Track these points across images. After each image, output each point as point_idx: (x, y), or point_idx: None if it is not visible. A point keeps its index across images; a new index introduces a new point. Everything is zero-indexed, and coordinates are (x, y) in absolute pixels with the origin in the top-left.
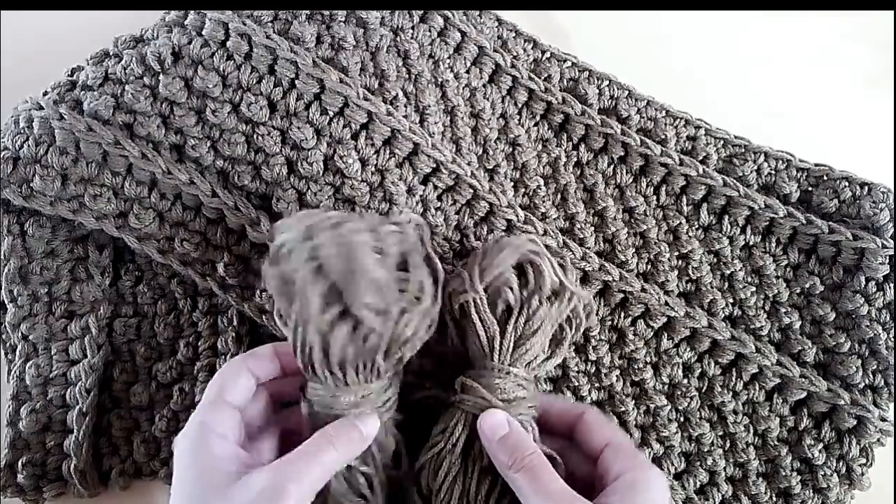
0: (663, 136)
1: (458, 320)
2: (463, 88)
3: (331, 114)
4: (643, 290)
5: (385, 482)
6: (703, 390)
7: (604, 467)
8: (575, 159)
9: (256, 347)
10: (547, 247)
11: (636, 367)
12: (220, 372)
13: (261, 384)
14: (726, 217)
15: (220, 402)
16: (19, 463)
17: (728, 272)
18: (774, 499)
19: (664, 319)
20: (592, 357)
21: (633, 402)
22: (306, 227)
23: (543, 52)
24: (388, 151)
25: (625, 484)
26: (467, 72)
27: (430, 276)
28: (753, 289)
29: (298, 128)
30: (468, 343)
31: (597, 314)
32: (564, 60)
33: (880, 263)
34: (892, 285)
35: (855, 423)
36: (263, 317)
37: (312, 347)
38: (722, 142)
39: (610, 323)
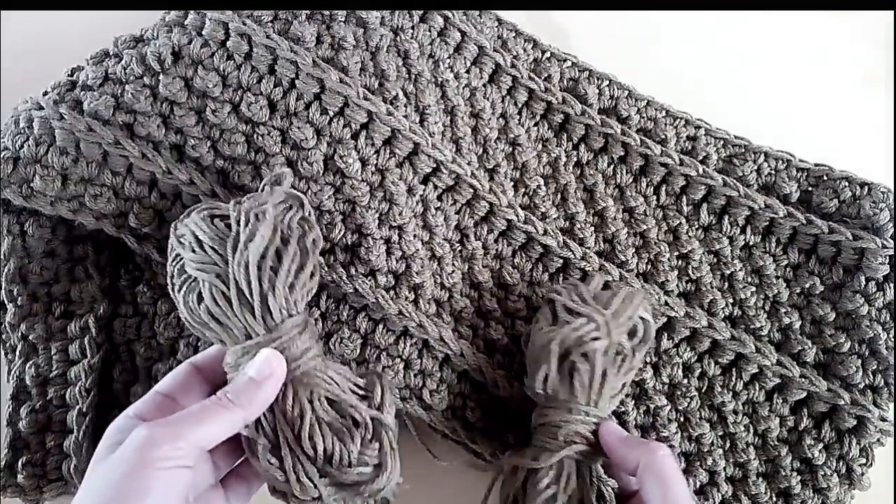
0: (663, 136)
1: (562, 358)
2: (463, 88)
3: (331, 114)
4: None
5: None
6: (703, 390)
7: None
8: (575, 159)
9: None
10: (546, 247)
11: None
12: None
13: None
14: (726, 217)
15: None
16: (19, 463)
17: (728, 272)
18: (774, 499)
19: (664, 319)
20: None
21: (633, 402)
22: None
23: (543, 52)
24: (388, 151)
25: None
26: (467, 72)
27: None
28: (753, 289)
29: (298, 128)
30: (572, 381)
31: None
32: (564, 60)
33: (880, 263)
34: (892, 285)
35: (855, 423)
36: None
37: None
38: (722, 142)
39: None
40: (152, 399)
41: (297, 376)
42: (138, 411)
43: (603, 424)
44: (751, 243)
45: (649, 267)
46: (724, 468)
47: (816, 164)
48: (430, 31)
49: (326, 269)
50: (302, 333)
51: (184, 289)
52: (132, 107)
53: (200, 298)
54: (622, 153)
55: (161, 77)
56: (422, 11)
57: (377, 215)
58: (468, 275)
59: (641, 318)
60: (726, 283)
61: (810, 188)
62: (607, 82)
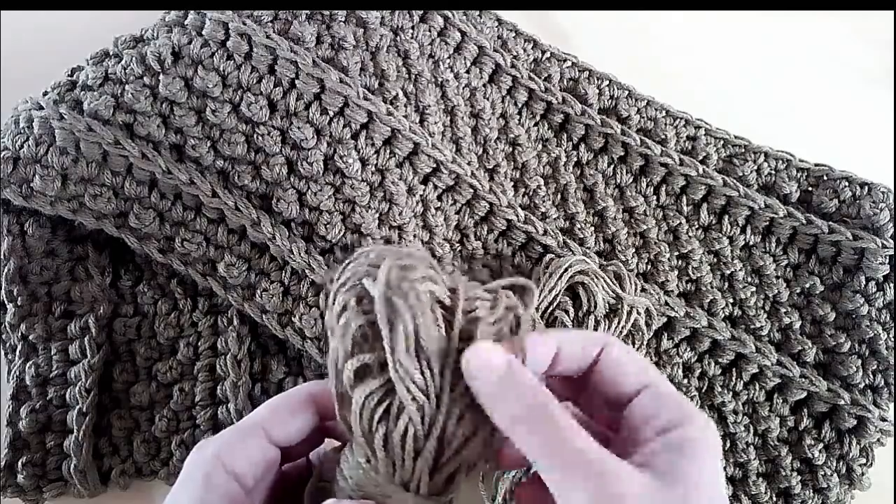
0: (663, 136)
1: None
2: (463, 88)
3: (331, 114)
4: (643, 289)
5: None
6: (704, 390)
7: (641, 416)
8: (575, 159)
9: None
10: (546, 247)
11: None
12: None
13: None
14: (726, 217)
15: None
16: (19, 463)
17: (728, 272)
18: (774, 499)
19: (664, 319)
20: None
21: None
22: (363, 268)
23: (543, 52)
24: (388, 151)
25: (670, 444)
26: (467, 72)
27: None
28: (753, 289)
29: (298, 128)
30: None
31: None
32: (564, 60)
33: (880, 263)
34: (892, 285)
35: (855, 423)
36: (264, 317)
37: (342, 395)
38: (722, 142)
39: None
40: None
41: None
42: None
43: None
44: (751, 243)
45: (649, 267)
46: (724, 468)
47: (816, 164)
48: (430, 31)
49: (326, 269)
50: None
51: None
52: (132, 107)
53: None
54: (622, 153)
55: (161, 77)
56: (422, 11)
57: (377, 215)
58: (468, 275)
59: (582, 284)
60: (726, 283)
61: (810, 188)
62: (607, 82)
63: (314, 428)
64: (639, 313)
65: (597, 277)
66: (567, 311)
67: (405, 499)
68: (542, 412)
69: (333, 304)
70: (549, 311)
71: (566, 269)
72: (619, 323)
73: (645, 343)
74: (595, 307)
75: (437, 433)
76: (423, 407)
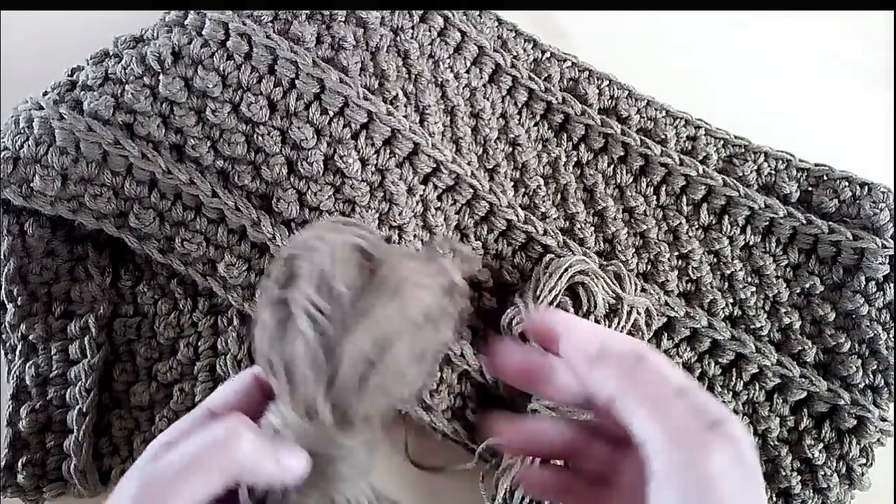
0: (663, 136)
1: None
2: (463, 88)
3: (331, 114)
4: (643, 290)
5: None
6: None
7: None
8: (575, 159)
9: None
10: (546, 247)
11: None
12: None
13: None
14: (726, 217)
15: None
16: (19, 463)
17: (728, 272)
18: (774, 499)
19: (664, 319)
20: None
21: None
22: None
23: (543, 52)
24: (388, 151)
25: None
26: (467, 72)
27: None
28: (753, 289)
29: (298, 128)
30: None
31: None
32: (564, 60)
33: (880, 263)
34: (892, 285)
35: (855, 423)
36: None
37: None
38: (722, 142)
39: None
40: None
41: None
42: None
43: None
44: (751, 243)
45: (649, 267)
46: None
47: (816, 164)
48: (430, 31)
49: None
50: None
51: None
52: (132, 107)
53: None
54: (622, 153)
55: (161, 77)
56: (422, 11)
57: (377, 215)
58: (468, 275)
59: (582, 284)
60: (726, 283)
61: (810, 188)
62: (607, 82)
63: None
64: (639, 313)
65: (597, 277)
66: (567, 311)
67: (319, 433)
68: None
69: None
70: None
71: (566, 269)
72: (618, 323)
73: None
74: (595, 307)
75: (337, 358)
76: (325, 332)
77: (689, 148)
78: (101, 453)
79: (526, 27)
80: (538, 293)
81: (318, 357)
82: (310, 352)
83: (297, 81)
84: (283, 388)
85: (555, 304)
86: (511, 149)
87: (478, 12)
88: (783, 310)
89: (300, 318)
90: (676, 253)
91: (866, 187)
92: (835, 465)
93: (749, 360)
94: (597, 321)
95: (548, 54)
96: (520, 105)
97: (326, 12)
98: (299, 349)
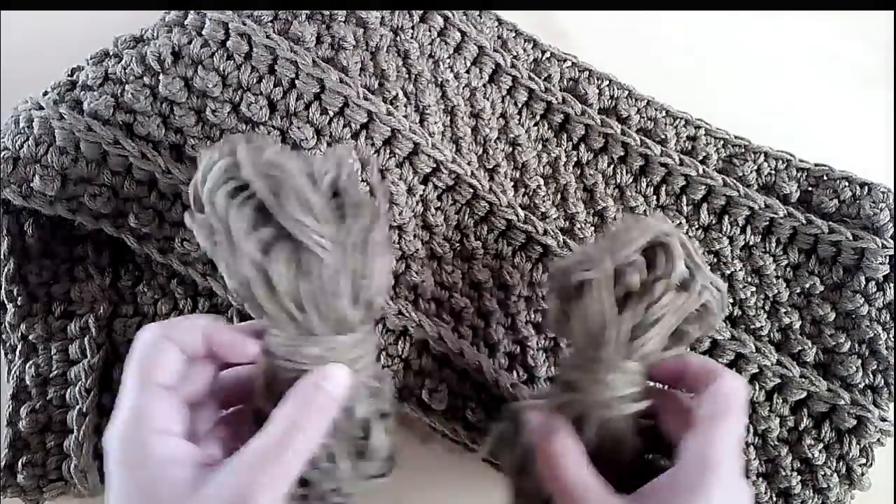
0: (663, 136)
1: (565, 302)
2: (463, 88)
3: (331, 114)
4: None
5: (357, 464)
6: None
7: (682, 447)
8: (575, 159)
9: (181, 317)
10: (546, 247)
11: None
12: (137, 348)
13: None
14: (726, 217)
15: (150, 385)
16: (19, 463)
17: (728, 272)
18: (774, 499)
19: None
20: None
21: None
22: (225, 147)
23: (543, 52)
24: (388, 151)
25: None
26: (467, 72)
27: (373, 206)
28: (753, 289)
29: (298, 128)
30: (575, 330)
31: None
32: (564, 60)
33: (880, 263)
34: (892, 285)
35: (855, 423)
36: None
37: (250, 280)
38: (722, 142)
39: None
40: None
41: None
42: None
43: (684, 358)
44: (751, 243)
45: None
46: None
47: (816, 164)
48: (430, 31)
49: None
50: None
51: (238, 228)
52: (132, 107)
53: (266, 250)
54: (622, 153)
55: (161, 77)
56: (422, 11)
57: None
58: (468, 274)
59: (660, 244)
60: (726, 283)
61: (810, 188)
62: (607, 82)
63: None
64: (712, 294)
65: (679, 242)
66: (638, 270)
67: (346, 340)
68: (548, 446)
69: (212, 192)
70: (619, 266)
71: (650, 226)
72: (687, 299)
73: (712, 329)
74: (669, 274)
75: (346, 270)
76: (329, 253)
77: (689, 148)
78: (101, 453)
79: (526, 27)
80: (612, 244)
81: (334, 276)
82: (327, 270)
83: (297, 81)
84: (310, 314)
85: (629, 258)
86: (511, 149)
87: (478, 12)
88: (783, 310)
89: (312, 245)
90: None
91: (866, 187)
92: (835, 465)
93: (749, 360)
94: (666, 289)
95: (548, 54)
96: (520, 105)
97: (326, 12)
98: (316, 274)
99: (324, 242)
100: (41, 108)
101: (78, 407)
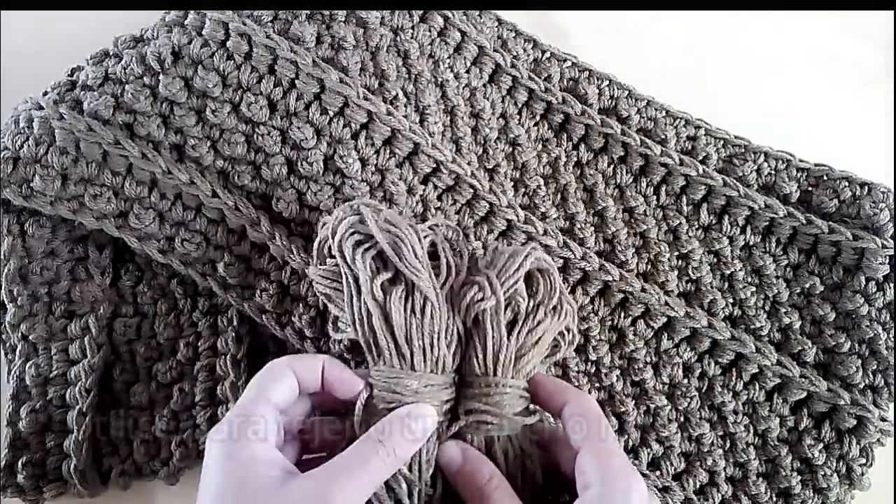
0: (663, 136)
1: (467, 329)
2: (463, 88)
3: (331, 113)
4: (643, 290)
5: (425, 496)
6: (703, 390)
7: (578, 472)
8: (575, 159)
9: (305, 354)
10: (546, 247)
11: (636, 367)
12: (264, 370)
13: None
14: (726, 217)
15: (263, 400)
16: (19, 463)
17: (728, 272)
18: (774, 499)
19: (664, 319)
20: (592, 357)
21: (633, 402)
22: (349, 207)
23: (543, 52)
24: (388, 151)
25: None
26: (467, 72)
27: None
28: (753, 289)
29: (298, 127)
30: (469, 354)
31: (596, 314)
32: (564, 60)
33: (880, 263)
34: (892, 285)
35: (855, 423)
36: (263, 316)
37: (371, 315)
38: (722, 142)
39: (610, 323)
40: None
41: None
42: (299, 371)
43: (535, 379)
44: (751, 243)
45: (649, 267)
46: (724, 468)
47: (816, 164)
48: (430, 31)
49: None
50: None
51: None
52: (132, 107)
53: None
54: (622, 153)
55: (161, 77)
56: (422, 11)
57: None
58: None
59: (538, 271)
60: (726, 283)
61: (810, 188)
62: (607, 82)
63: (317, 391)
64: (573, 317)
65: (555, 269)
66: (523, 298)
67: (438, 380)
68: (487, 492)
69: (341, 244)
70: (507, 294)
71: (530, 255)
72: (558, 319)
73: (573, 345)
74: (550, 299)
75: (444, 314)
76: (437, 297)
77: (689, 148)
78: (101, 453)
79: (526, 27)
80: (500, 274)
81: (441, 316)
82: (437, 312)
83: (297, 81)
84: (415, 352)
85: (514, 286)
86: (511, 149)
87: (478, 12)
88: (783, 310)
89: (426, 288)
90: (676, 253)
91: (866, 187)
92: (835, 465)
93: (749, 360)
94: (545, 313)
95: (548, 54)
96: (520, 105)
97: (326, 12)
98: (428, 313)
99: (432, 286)
100: (41, 108)
101: (78, 407)
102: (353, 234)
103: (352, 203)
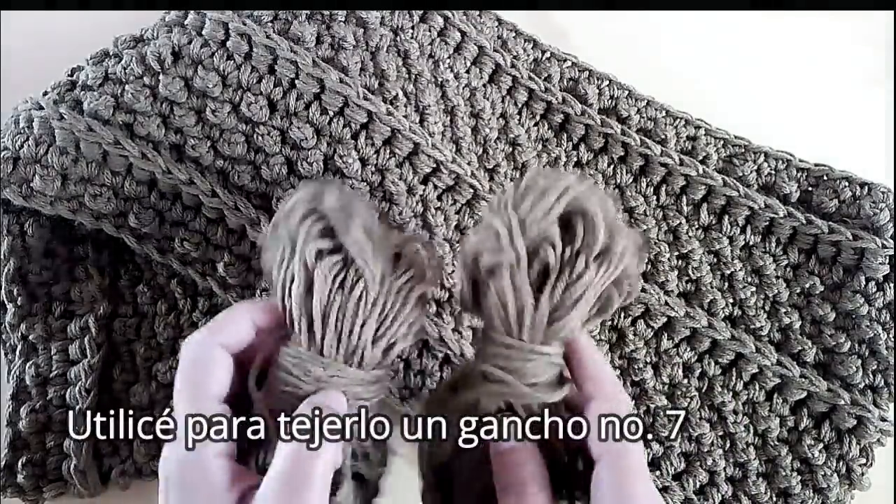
0: (663, 136)
1: (479, 284)
2: (463, 88)
3: (331, 113)
4: (643, 290)
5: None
6: (703, 390)
7: (594, 485)
8: (575, 159)
9: (219, 318)
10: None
11: (636, 367)
12: (184, 359)
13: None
14: (726, 217)
15: (204, 400)
16: (19, 463)
17: (728, 272)
18: (774, 499)
19: (664, 319)
20: None
21: (633, 402)
22: (311, 188)
23: (543, 52)
24: (388, 151)
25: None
26: (467, 72)
27: (432, 275)
28: (753, 289)
29: (298, 127)
30: (488, 314)
31: None
32: (564, 60)
33: (880, 263)
34: (892, 285)
35: (855, 423)
36: None
37: (294, 280)
38: (722, 142)
39: (610, 323)
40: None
41: None
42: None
43: (572, 346)
44: (751, 243)
45: (649, 267)
46: (724, 468)
47: (816, 164)
48: (430, 31)
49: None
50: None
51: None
52: (132, 107)
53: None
54: (622, 153)
55: (161, 77)
56: (422, 11)
57: (377, 215)
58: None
59: (582, 213)
60: (726, 283)
61: (810, 188)
62: (607, 82)
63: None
64: (632, 256)
65: (599, 207)
66: (554, 247)
67: (352, 375)
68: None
69: (290, 213)
70: (532, 241)
71: (565, 189)
72: (607, 268)
73: (633, 294)
74: (590, 246)
75: (380, 304)
76: (374, 278)
77: (689, 148)
78: (101, 453)
79: (526, 27)
80: (522, 216)
81: (370, 300)
82: (366, 292)
83: (297, 81)
84: (328, 336)
85: (543, 231)
86: (511, 149)
87: (478, 12)
88: (783, 310)
89: (362, 264)
90: (676, 253)
91: (866, 187)
92: (834, 465)
93: (749, 360)
94: (587, 264)
95: (548, 54)
96: (520, 105)
97: (326, 12)
98: (356, 292)
99: (372, 266)
100: (41, 108)
101: (78, 407)
102: (306, 204)
103: (315, 181)
